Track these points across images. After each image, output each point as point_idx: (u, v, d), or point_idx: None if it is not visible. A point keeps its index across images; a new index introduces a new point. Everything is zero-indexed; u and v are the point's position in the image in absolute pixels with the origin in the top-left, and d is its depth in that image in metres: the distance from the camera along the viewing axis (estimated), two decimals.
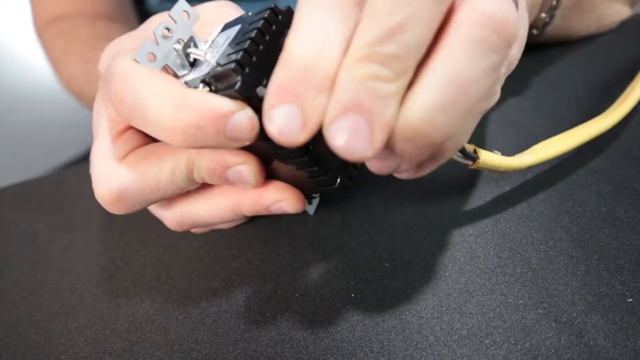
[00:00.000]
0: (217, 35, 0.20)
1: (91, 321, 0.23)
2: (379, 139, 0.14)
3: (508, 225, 0.23)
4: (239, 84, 0.16)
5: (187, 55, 0.20)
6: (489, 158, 0.21)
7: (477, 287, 0.21)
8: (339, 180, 0.19)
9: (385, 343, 0.20)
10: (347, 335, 0.20)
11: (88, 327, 0.23)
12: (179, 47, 0.19)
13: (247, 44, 0.17)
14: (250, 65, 0.17)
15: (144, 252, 0.26)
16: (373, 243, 0.23)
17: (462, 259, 0.22)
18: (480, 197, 0.24)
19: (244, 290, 0.23)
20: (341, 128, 0.14)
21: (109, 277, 0.25)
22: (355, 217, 0.25)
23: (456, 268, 0.22)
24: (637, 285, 0.20)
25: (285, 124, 0.15)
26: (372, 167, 0.17)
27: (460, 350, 0.19)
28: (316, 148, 0.18)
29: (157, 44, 0.19)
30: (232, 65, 0.17)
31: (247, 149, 0.19)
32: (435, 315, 0.20)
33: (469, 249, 0.22)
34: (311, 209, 0.25)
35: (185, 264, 0.25)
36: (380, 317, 0.21)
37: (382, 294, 0.21)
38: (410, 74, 0.14)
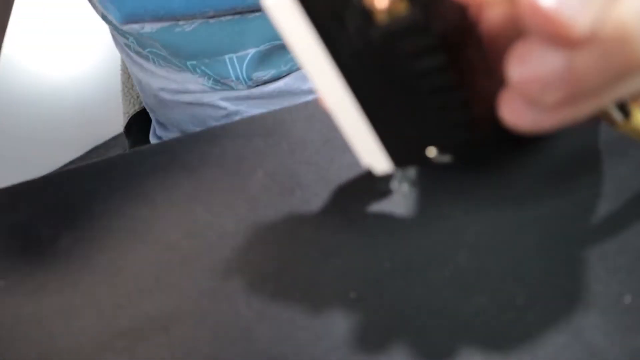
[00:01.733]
0: None
1: (92, 320, 0.23)
2: (592, 15, 0.12)
3: (507, 225, 0.23)
4: None
5: None
6: None
7: (476, 287, 0.21)
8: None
9: (385, 343, 0.20)
10: (347, 335, 0.20)
11: (89, 327, 0.23)
12: None
13: None
14: None
15: (145, 252, 0.26)
16: (373, 243, 0.23)
17: (461, 259, 0.22)
18: (479, 197, 0.24)
19: (244, 290, 0.23)
20: None
21: (110, 276, 0.25)
22: (355, 217, 0.25)
23: (456, 268, 0.22)
24: (635, 284, 0.20)
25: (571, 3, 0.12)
26: (511, 116, 0.14)
27: (460, 350, 0.19)
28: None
29: None
30: None
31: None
32: (435, 315, 0.20)
33: (468, 249, 0.22)
34: (402, 193, 0.20)
35: (186, 264, 0.25)
36: (380, 317, 0.21)
37: (382, 294, 0.21)
38: None
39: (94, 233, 0.28)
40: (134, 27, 0.45)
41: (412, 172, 0.21)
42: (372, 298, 0.21)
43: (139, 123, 0.60)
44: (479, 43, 0.13)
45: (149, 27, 0.44)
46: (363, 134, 0.18)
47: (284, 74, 0.48)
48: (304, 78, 0.47)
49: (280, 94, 0.48)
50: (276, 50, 0.46)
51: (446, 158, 0.18)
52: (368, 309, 0.21)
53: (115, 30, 0.49)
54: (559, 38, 0.12)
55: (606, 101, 0.14)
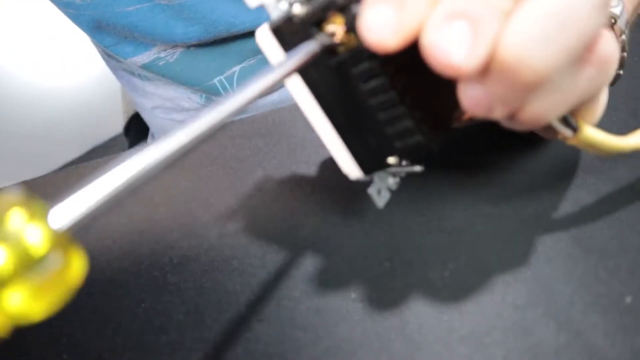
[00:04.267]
0: None
1: (92, 320, 0.23)
2: (480, 51, 0.14)
3: (507, 225, 0.23)
4: None
5: None
6: (591, 133, 0.19)
7: (476, 287, 0.21)
8: (421, 137, 0.18)
9: (385, 343, 0.20)
10: (347, 335, 0.20)
11: (89, 326, 0.23)
12: None
13: None
14: None
15: (144, 252, 0.26)
16: (373, 243, 0.23)
17: (462, 259, 0.22)
18: (479, 197, 0.24)
19: (244, 290, 0.23)
20: (443, 32, 0.14)
21: (110, 276, 0.25)
22: (355, 217, 0.25)
23: (455, 268, 0.22)
24: (636, 284, 0.20)
25: (378, 25, 0.14)
26: (464, 101, 0.16)
27: (460, 349, 0.19)
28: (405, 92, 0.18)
29: None
30: None
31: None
32: (435, 315, 0.20)
33: (468, 249, 0.22)
34: (381, 202, 0.22)
35: (185, 264, 0.25)
36: (380, 317, 0.21)
37: (382, 294, 0.21)
38: None
39: (94, 233, 0.28)
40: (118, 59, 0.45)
41: (391, 181, 0.22)
42: (372, 298, 0.21)
43: (138, 123, 0.60)
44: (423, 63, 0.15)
45: (133, 62, 0.44)
46: (337, 145, 0.21)
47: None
48: None
49: (276, 104, 0.48)
50: (263, 64, 0.46)
51: (418, 168, 0.21)
52: (368, 309, 0.21)
53: (105, 53, 0.49)
54: (454, 75, 0.14)
55: (541, 116, 0.16)
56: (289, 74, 0.15)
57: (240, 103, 0.14)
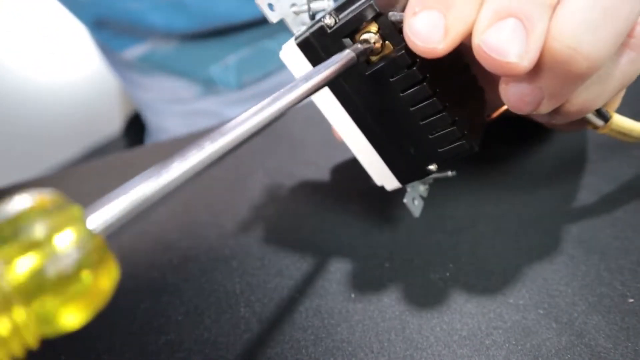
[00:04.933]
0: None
1: (90, 321, 0.23)
2: (535, 48, 0.14)
3: (508, 225, 0.23)
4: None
5: (310, 9, 0.20)
6: (621, 121, 0.20)
7: (477, 287, 0.21)
8: (465, 141, 0.18)
9: (385, 343, 0.20)
10: (347, 335, 0.20)
11: (87, 326, 0.23)
12: (296, 8, 0.20)
13: None
14: None
15: (143, 252, 0.26)
16: (373, 243, 0.23)
17: (462, 259, 0.22)
18: (479, 197, 0.24)
19: (244, 290, 0.23)
20: (496, 32, 0.14)
21: None
22: (355, 217, 0.25)
23: (456, 268, 0.22)
24: (638, 285, 0.20)
25: (426, 30, 0.14)
26: (511, 100, 0.16)
27: (461, 350, 0.19)
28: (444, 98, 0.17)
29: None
30: None
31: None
32: (435, 315, 0.20)
33: (469, 249, 0.22)
34: (417, 211, 0.22)
35: (185, 264, 0.25)
36: (380, 317, 0.20)
37: (382, 294, 0.21)
38: None
39: None
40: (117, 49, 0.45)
41: (422, 188, 0.22)
42: (372, 298, 0.21)
43: (137, 123, 0.60)
44: (466, 68, 0.15)
45: (130, 53, 0.44)
46: (372, 157, 0.20)
47: (275, 72, 0.48)
48: None
49: (276, 89, 0.48)
50: (259, 52, 0.46)
51: (450, 173, 0.21)
52: (368, 309, 0.21)
53: (102, 48, 0.49)
54: (509, 74, 0.14)
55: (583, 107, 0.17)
56: (322, 85, 0.15)
57: (269, 114, 0.13)
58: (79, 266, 0.09)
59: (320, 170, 0.28)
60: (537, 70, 0.15)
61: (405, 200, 0.21)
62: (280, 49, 0.19)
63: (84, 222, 0.09)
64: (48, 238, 0.09)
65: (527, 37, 0.14)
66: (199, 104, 0.49)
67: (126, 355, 0.21)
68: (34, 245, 0.09)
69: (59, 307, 0.09)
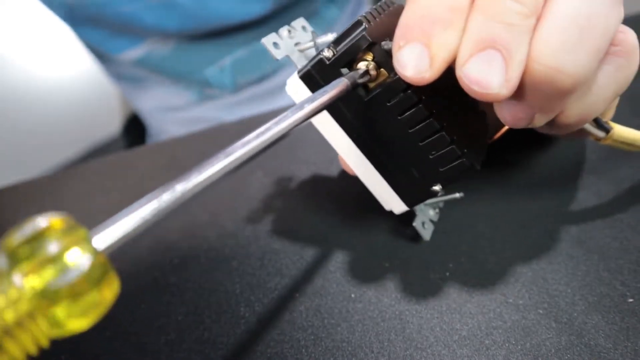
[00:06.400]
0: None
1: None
2: (514, 77, 0.14)
3: (508, 225, 0.23)
4: (365, 29, 0.17)
5: (315, 45, 0.21)
6: (623, 131, 0.20)
7: (477, 287, 0.21)
8: (465, 159, 0.18)
9: (385, 343, 0.20)
10: (347, 335, 0.20)
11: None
12: (301, 46, 0.21)
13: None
14: (375, 20, 0.18)
15: (144, 252, 0.26)
16: (373, 243, 0.23)
17: (463, 259, 0.22)
18: (479, 197, 0.24)
19: (244, 290, 0.23)
20: (477, 64, 0.14)
21: None
22: (355, 217, 0.25)
23: (456, 268, 0.22)
24: (638, 285, 0.20)
25: (413, 62, 0.15)
26: (505, 118, 0.17)
27: (461, 350, 0.19)
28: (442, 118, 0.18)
29: (281, 39, 0.21)
30: (358, 18, 0.18)
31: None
32: (435, 316, 0.20)
33: (468, 249, 0.22)
34: (427, 234, 0.22)
35: (185, 264, 0.25)
36: (380, 317, 0.20)
37: (382, 294, 0.21)
38: (539, 12, 0.15)
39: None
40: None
41: (432, 212, 0.23)
42: (372, 298, 0.21)
43: (137, 123, 0.60)
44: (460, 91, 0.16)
45: (127, 56, 0.44)
46: (378, 182, 0.21)
47: (270, 74, 0.48)
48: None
49: (272, 92, 0.48)
50: (254, 54, 0.46)
51: (458, 195, 0.22)
52: (368, 309, 0.21)
53: (96, 54, 0.49)
54: (492, 101, 0.15)
55: (578, 119, 0.17)
56: (320, 109, 0.16)
57: (270, 137, 0.14)
58: (85, 279, 0.11)
59: (320, 170, 0.28)
60: (523, 90, 0.15)
61: (414, 224, 0.22)
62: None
63: (90, 242, 0.11)
64: (60, 255, 0.11)
65: (507, 67, 0.14)
66: (195, 111, 0.49)
67: (126, 355, 0.21)
68: (48, 261, 0.10)
69: (68, 313, 0.11)
